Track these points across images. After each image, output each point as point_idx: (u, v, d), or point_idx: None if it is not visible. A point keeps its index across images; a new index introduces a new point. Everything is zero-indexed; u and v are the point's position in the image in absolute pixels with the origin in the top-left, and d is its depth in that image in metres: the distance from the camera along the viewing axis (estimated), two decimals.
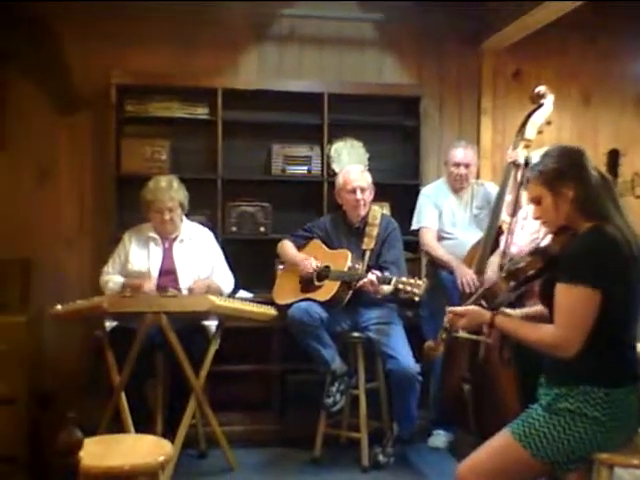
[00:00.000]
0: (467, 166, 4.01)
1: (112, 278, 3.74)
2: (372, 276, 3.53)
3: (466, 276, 3.64)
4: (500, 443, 2.14)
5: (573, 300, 2.03)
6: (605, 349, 2.08)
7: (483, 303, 2.41)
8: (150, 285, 3.60)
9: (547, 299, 2.15)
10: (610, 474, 2.13)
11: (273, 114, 4.44)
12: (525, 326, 2.19)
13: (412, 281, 3.40)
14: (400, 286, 3.42)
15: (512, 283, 2.28)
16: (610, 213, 2.10)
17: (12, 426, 3.47)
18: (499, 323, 2.22)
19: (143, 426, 3.41)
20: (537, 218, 2.26)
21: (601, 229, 2.08)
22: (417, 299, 3.40)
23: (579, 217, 2.13)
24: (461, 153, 4.02)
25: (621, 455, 2.12)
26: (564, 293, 2.05)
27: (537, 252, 2.28)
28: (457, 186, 4.05)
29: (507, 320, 2.23)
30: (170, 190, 3.70)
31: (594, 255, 2.05)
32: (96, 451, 2.39)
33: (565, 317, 2.05)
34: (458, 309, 2.35)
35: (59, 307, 3.56)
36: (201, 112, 4.32)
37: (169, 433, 3.36)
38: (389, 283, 3.47)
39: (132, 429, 3.39)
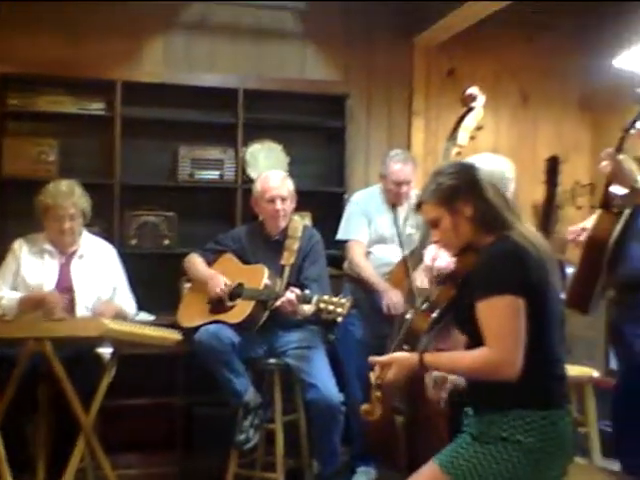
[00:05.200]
0: (408, 183, 4.02)
1: (5, 295, 3.63)
2: (291, 295, 3.52)
3: (392, 299, 3.71)
4: (426, 475, 2.18)
5: (498, 313, 2.09)
6: (536, 367, 2.12)
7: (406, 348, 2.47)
8: (56, 296, 3.50)
9: (466, 325, 2.21)
10: None
11: (180, 111, 4.44)
12: (458, 356, 2.23)
13: (335, 300, 3.41)
14: (322, 305, 3.42)
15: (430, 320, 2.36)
16: (511, 222, 2.21)
17: None
18: (429, 361, 2.26)
19: (23, 472, 3.36)
20: (436, 242, 2.35)
21: (507, 238, 2.17)
22: (340, 319, 3.41)
23: (481, 232, 2.23)
24: (401, 170, 3.98)
25: None
26: (487, 309, 2.11)
27: (445, 280, 2.39)
28: (397, 203, 4.02)
29: (436, 356, 2.27)
30: (72, 196, 3.65)
31: (506, 264, 2.13)
32: None
33: (496, 332, 2.09)
34: (382, 359, 2.38)
35: None
36: (96, 107, 4.30)
37: None
38: (310, 302, 3.46)
39: (9, 477, 3.29)
